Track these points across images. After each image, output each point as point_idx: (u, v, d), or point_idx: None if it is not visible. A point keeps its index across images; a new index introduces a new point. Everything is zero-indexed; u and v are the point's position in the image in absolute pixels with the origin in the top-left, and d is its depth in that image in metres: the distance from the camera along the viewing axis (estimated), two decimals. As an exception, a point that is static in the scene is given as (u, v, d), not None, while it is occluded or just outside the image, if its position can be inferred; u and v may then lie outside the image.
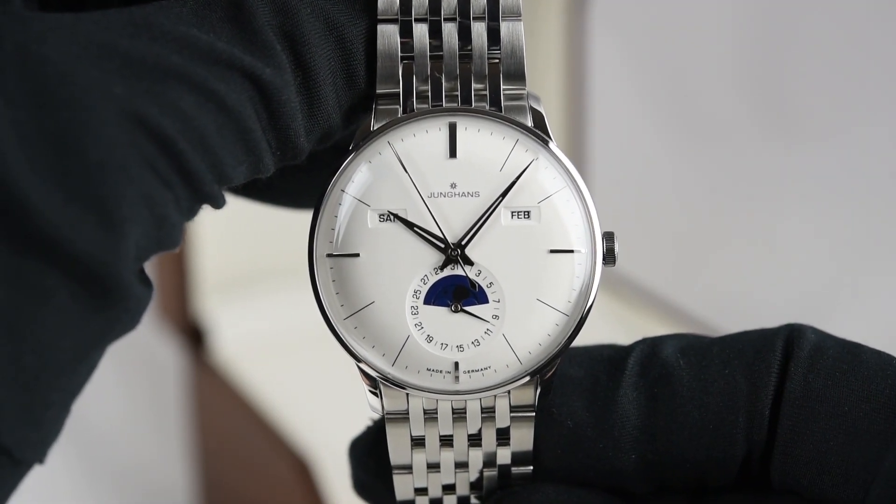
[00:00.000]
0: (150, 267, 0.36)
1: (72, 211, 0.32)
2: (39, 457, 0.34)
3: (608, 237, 0.40)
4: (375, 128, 0.38)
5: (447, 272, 0.38)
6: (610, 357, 0.40)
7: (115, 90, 0.33)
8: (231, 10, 0.36)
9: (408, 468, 0.40)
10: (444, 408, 0.39)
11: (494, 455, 0.40)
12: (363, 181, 0.38)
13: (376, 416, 0.40)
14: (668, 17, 1.19)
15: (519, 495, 0.39)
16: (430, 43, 0.39)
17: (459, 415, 0.39)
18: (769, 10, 1.15)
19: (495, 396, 0.39)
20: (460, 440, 0.40)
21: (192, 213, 0.36)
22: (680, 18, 1.18)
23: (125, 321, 0.34)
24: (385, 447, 0.40)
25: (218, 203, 0.36)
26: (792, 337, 0.39)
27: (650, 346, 0.40)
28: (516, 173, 0.39)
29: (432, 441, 0.39)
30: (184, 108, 0.34)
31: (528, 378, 0.38)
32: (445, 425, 0.39)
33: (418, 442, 0.40)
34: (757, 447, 0.38)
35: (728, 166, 1.18)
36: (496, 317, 0.39)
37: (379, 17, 0.38)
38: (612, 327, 1.07)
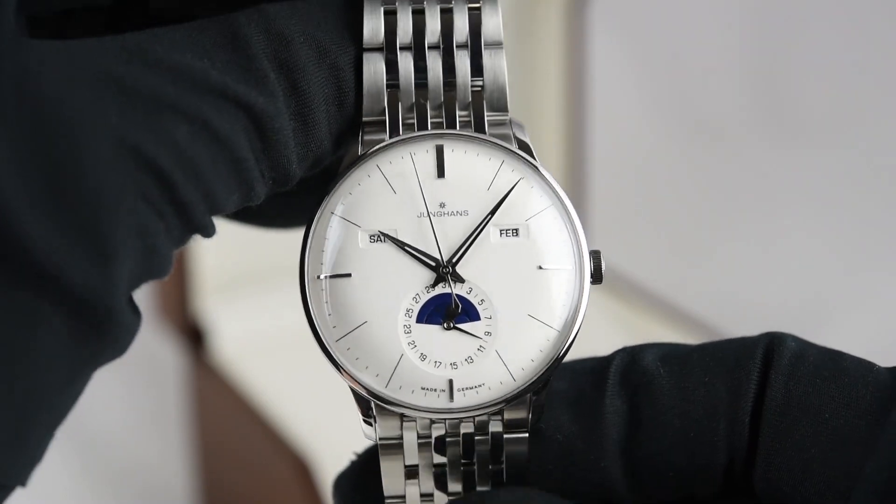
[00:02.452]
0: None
1: (65, 240, 0.32)
2: (23, 480, 0.34)
3: (595, 255, 0.40)
4: (363, 152, 0.39)
5: (438, 290, 0.39)
6: (592, 368, 0.40)
7: (110, 120, 0.33)
8: (226, 36, 0.36)
9: (401, 498, 0.40)
10: (439, 433, 0.39)
11: (488, 476, 0.40)
12: (353, 203, 0.39)
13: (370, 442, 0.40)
14: (668, 17, 1.19)
15: (495, 494, 0.39)
16: (414, 72, 0.39)
17: (453, 440, 0.39)
18: (769, 9, 1.15)
19: (489, 418, 0.39)
20: (454, 469, 0.40)
21: (182, 242, 0.36)
22: (680, 18, 1.18)
23: (114, 349, 0.35)
24: (369, 480, 0.40)
25: (208, 232, 0.36)
26: (772, 345, 0.39)
27: (630, 355, 0.40)
28: (503, 192, 0.39)
29: (426, 469, 0.39)
30: (178, 139, 0.34)
31: (521, 395, 0.39)
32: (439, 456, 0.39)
33: (412, 471, 0.39)
34: (739, 455, 0.38)
35: (728, 166, 1.18)
36: (488, 333, 0.39)
37: (364, 47, 0.39)
38: (613, 327, 1.07)
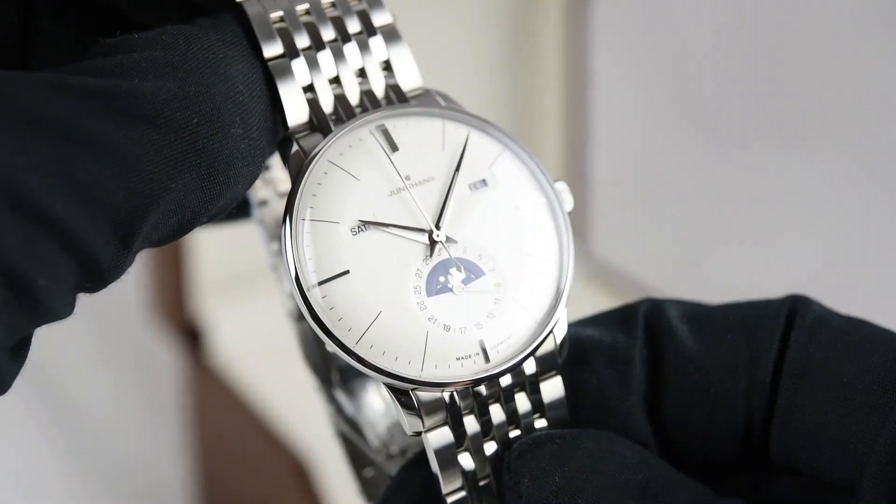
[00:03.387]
0: (149, 266, 0.36)
1: None
2: None
3: (560, 185, 0.41)
4: (309, 154, 0.38)
5: (437, 259, 0.38)
6: (622, 318, 0.40)
7: None
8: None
9: (461, 490, 0.39)
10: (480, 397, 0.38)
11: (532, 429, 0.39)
12: (320, 203, 0.38)
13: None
14: (668, 17, 1.19)
15: (577, 435, 0.38)
16: (324, 70, 0.40)
17: (493, 400, 0.39)
18: (770, 9, 1.15)
19: (523, 367, 0.38)
20: (500, 429, 0.39)
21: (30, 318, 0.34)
22: (681, 18, 1.18)
23: None
24: (412, 492, 0.39)
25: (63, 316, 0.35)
26: (796, 306, 0.38)
27: (655, 305, 0.40)
28: (460, 147, 0.40)
29: (476, 441, 0.38)
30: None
31: (547, 333, 0.38)
32: (485, 419, 0.39)
33: (464, 448, 0.38)
34: (758, 415, 0.38)
35: (729, 165, 1.18)
36: (498, 284, 0.39)
37: (267, 58, 0.39)
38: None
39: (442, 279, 0.38)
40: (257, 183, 0.46)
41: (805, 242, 1.14)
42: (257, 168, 0.38)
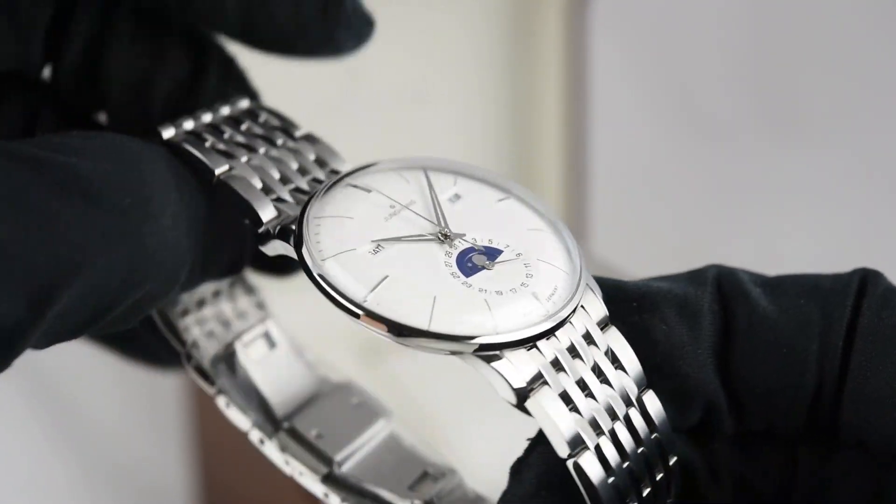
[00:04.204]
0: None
1: None
2: None
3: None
4: (296, 224, 0.41)
5: (456, 251, 0.41)
6: (690, 276, 0.40)
7: None
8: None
9: (583, 445, 0.38)
10: (565, 343, 0.39)
11: (623, 385, 0.39)
12: (329, 243, 0.40)
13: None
14: (668, 17, 1.19)
15: None
16: (272, 173, 0.43)
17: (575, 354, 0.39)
18: (770, 8, 1.15)
19: (587, 310, 0.40)
20: (590, 378, 0.39)
21: None
22: (681, 18, 1.18)
23: None
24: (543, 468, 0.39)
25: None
26: (867, 277, 0.39)
27: (725, 268, 0.40)
28: (423, 177, 0.43)
29: (576, 390, 0.39)
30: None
31: (585, 282, 0.40)
32: (575, 365, 0.39)
33: (567, 396, 0.39)
34: (828, 380, 0.38)
35: (729, 165, 1.18)
36: (520, 254, 0.41)
37: (219, 174, 0.42)
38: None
39: (470, 264, 0.40)
40: (190, 321, 0.50)
41: (805, 242, 1.14)
42: (178, 267, 0.39)
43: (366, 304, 0.38)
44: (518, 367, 0.38)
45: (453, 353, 0.38)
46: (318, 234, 0.40)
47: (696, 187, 1.19)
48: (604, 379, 0.39)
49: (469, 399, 0.96)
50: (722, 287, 0.39)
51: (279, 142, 0.45)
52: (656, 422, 0.39)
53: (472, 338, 0.38)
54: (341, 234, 0.40)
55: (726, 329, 0.39)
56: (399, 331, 0.38)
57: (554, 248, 0.42)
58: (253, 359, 0.51)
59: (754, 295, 0.39)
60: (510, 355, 0.38)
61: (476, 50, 1.11)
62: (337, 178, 0.43)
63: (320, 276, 0.39)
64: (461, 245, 0.41)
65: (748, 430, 0.39)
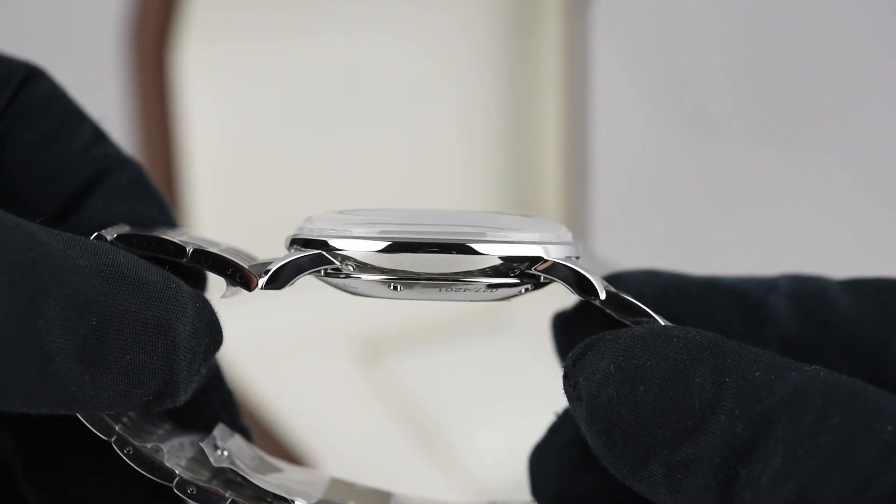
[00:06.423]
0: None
1: None
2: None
3: None
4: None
5: None
6: (757, 280, 0.40)
7: None
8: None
9: None
10: None
11: None
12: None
13: None
14: (669, 17, 1.19)
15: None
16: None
17: None
18: (770, 8, 1.15)
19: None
20: None
21: None
22: (681, 18, 1.18)
23: None
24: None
25: None
26: None
27: (799, 274, 0.40)
28: None
29: None
30: None
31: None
32: None
33: None
34: None
35: (730, 166, 1.18)
36: None
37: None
38: (612, 328, 1.07)
39: None
40: None
41: (805, 242, 1.14)
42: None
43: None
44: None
45: None
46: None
47: (696, 187, 1.20)
48: None
49: (469, 399, 0.96)
50: (798, 288, 0.39)
51: None
52: None
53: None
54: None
55: (804, 321, 0.38)
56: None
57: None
58: None
59: (832, 290, 0.39)
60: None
61: (476, 49, 1.11)
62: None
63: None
64: None
65: None
